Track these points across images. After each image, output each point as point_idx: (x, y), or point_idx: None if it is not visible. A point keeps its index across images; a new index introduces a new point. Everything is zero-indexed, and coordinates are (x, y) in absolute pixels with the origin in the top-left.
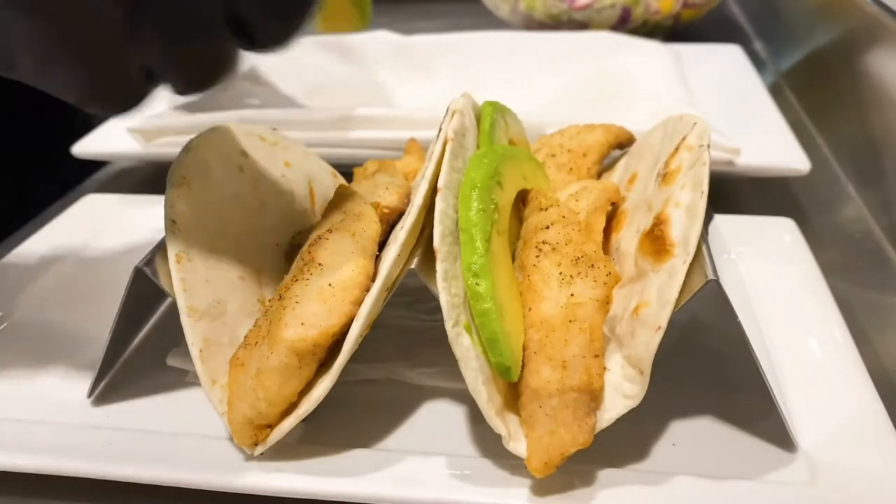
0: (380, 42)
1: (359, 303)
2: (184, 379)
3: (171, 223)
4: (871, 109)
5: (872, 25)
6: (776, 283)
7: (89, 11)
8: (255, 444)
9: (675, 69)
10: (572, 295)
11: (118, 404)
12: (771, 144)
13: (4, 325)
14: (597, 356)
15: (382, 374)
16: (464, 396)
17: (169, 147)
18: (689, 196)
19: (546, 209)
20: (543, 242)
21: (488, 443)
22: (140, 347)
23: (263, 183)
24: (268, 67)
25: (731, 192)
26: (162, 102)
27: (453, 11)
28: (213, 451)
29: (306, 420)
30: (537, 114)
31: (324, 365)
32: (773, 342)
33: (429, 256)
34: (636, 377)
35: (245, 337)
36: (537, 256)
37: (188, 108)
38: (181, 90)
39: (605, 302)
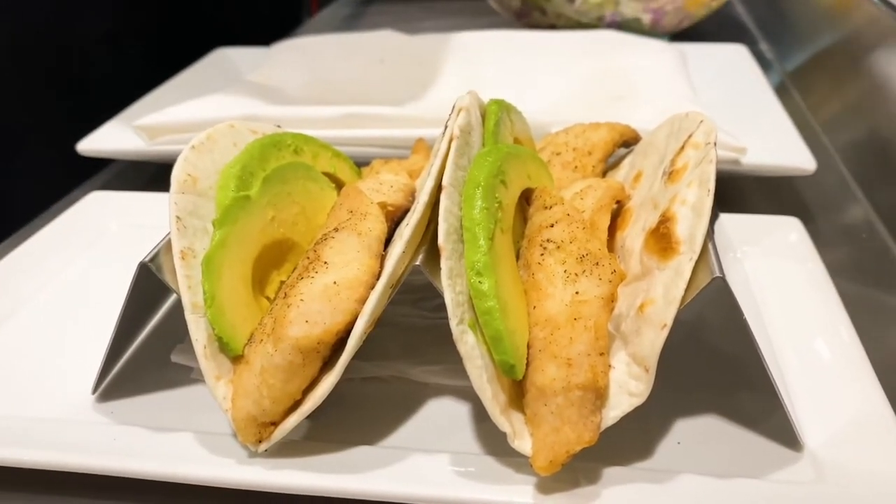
0: (385, 41)
1: (363, 301)
2: (188, 375)
3: (176, 219)
4: (876, 109)
5: (878, 26)
6: (782, 282)
7: None
8: (260, 442)
9: (680, 68)
10: (577, 293)
11: (123, 400)
12: (777, 144)
13: (9, 321)
14: (602, 354)
15: (387, 371)
16: (468, 394)
17: (173, 144)
18: (696, 194)
19: (550, 207)
20: (548, 240)
21: (493, 440)
22: (144, 344)
23: None
24: (273, 66)
25: (737, 191)
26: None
27: (458, 10)
28: (217, 448)
29: (310, 417)
30: (543, 112)
31: (328, 363)
32: (779, 341)
33: (434, 254)
34: (641, 375)
35: (250, 334)
36: (542, 254)
37: (193, 105)
38: None
39: (610, 300)
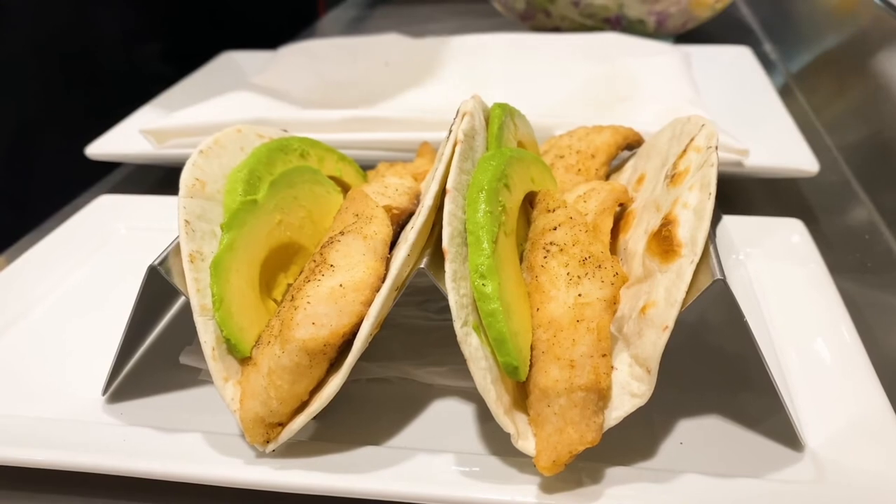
0: (390, 44)
1: (369, 303)
2: (196, 377)
3: (184, 223)
4: (880, 111)
5: (882, 28)
6: (784, 283)
7: None
8: (267, 442)
9: (684, 70)
10: (580, 295)
11: (132, 401)
12: (780, 145)
13: (20, 323)
14: (604, 355)
15: (392, 372)
16: (472, 395)
17: (181, 148)
18: (697, 197)
19: (553, 210)
20: (551, 243)
21: (497, 441)
22: (153, 346)
23: None
24: (279, 69)
25: (740, 192)
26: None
27: (463, 13)
28: (225, 449)
29: (317, 418)
30: (546, 115)
31: (334, 364)
32: (781, 342)
33: (438, 256)
34: (644, 376)
35: (258, 336)
36: (545, 257)
37: (200, 109)
38: None
39: (613, 302)
